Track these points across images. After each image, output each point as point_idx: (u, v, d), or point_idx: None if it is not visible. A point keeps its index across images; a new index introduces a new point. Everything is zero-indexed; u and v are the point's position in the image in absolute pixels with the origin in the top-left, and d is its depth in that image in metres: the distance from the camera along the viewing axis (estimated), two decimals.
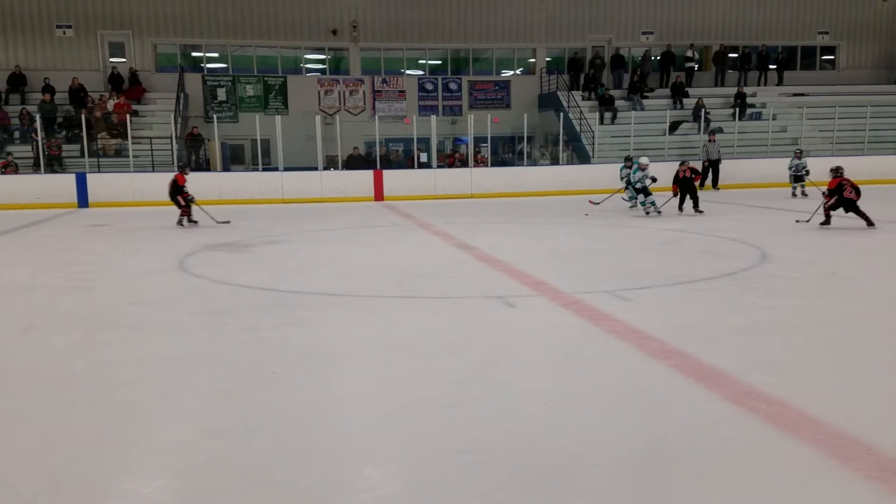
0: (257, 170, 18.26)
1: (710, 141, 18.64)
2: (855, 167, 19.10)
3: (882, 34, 24.77)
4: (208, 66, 22.35)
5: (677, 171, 13.11)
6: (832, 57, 25.09)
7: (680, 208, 13.08)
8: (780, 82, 23.67)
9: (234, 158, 21.66)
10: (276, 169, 17.85)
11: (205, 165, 19.89)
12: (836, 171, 10.46)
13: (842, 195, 10.22)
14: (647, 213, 12.85)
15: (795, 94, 22.92)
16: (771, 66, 23.67)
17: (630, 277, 7.21)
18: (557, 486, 2.93)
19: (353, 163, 19.27)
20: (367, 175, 18.02)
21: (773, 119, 21.27)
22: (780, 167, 16.94)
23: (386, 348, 4.94)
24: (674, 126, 20.61)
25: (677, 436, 3.41)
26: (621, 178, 14.33)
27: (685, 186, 13.00)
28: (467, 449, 3.25)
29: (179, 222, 12.23)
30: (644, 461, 3.16)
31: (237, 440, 3.42)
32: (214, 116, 19.40)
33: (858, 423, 3.42)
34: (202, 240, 10.53)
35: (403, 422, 3.65)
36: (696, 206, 12.92)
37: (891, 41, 24.74)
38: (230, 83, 21.88)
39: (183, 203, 12.14)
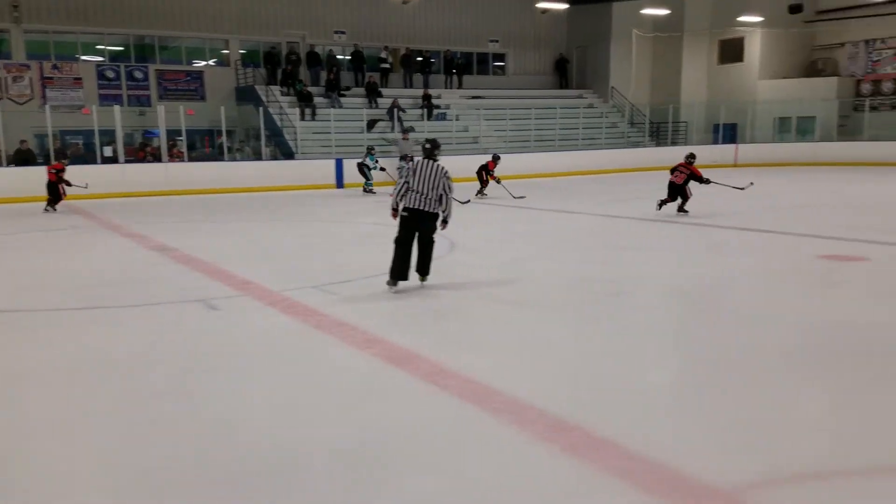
0: None
1: (403, 139, 19.75)
2: (519, 163, 21.85)
3: (541, 43, 28.27)
4: None
5: None
6: (503, 63, 28.07)
7: None
8: (460, 85, 25.89)
9: None
10: None
11: None
12: None
13: None
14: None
15: (474, 97, 25.26)
16: (453, 71, 25.78)
17: (335, 271, 7.40)
18: (278, 484, 2.96)
19: (23, 158, 16.88)
20: (39, 172, 15.89)
21: (457, 119, 23.25)
22: (465, 163, 18.50)
23: (71, 370, 4.48)
24: (371, 124, 21.45)
25: (386, 419, 3.63)
26: None
27: None
28: (178, 466, 3.13)
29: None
30: (358, 448, 3.32)
31: None
32: None
33: (532, 391, 3.95)
34: None
35: (97, 449, 3.38)
36: None
37: (549, 49, 28.38)
38: None
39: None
